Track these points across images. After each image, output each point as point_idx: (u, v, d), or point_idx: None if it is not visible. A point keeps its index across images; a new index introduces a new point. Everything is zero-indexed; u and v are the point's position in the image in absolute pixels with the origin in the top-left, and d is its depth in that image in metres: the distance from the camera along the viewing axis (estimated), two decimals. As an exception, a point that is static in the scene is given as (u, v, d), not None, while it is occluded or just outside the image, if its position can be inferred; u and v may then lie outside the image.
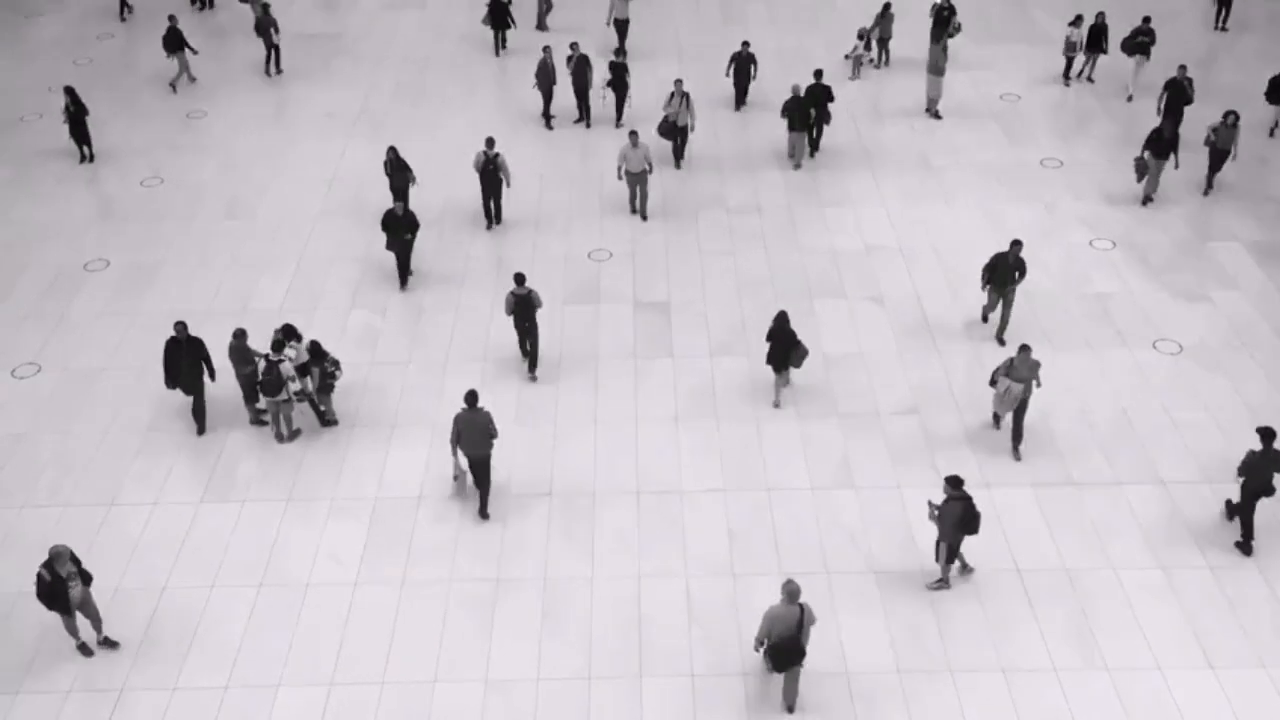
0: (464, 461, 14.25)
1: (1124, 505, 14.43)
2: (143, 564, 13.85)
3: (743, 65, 23.54)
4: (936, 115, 23.43)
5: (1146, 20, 23.91)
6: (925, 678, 12.37)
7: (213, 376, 15.73)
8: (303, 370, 15.33)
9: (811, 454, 15.25)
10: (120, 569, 13.78)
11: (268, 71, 25.18)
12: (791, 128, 21.22)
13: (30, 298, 18.57)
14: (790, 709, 11.89)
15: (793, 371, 16.03)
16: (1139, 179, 20.22)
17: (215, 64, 26.19)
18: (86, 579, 12.41)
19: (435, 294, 18.45)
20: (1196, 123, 22.23)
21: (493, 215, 19.70)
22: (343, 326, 17.77)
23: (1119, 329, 17.47)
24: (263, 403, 15.42)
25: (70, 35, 27.73)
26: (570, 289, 18.52)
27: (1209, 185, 20.66)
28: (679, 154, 21.70)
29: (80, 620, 12.81)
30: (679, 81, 21.28)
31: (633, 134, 19.52)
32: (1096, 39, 24.05)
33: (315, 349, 15.42)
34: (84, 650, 12.69)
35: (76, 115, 21.79)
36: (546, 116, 23.13)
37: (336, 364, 15.63)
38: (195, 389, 15.53)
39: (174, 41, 24.25)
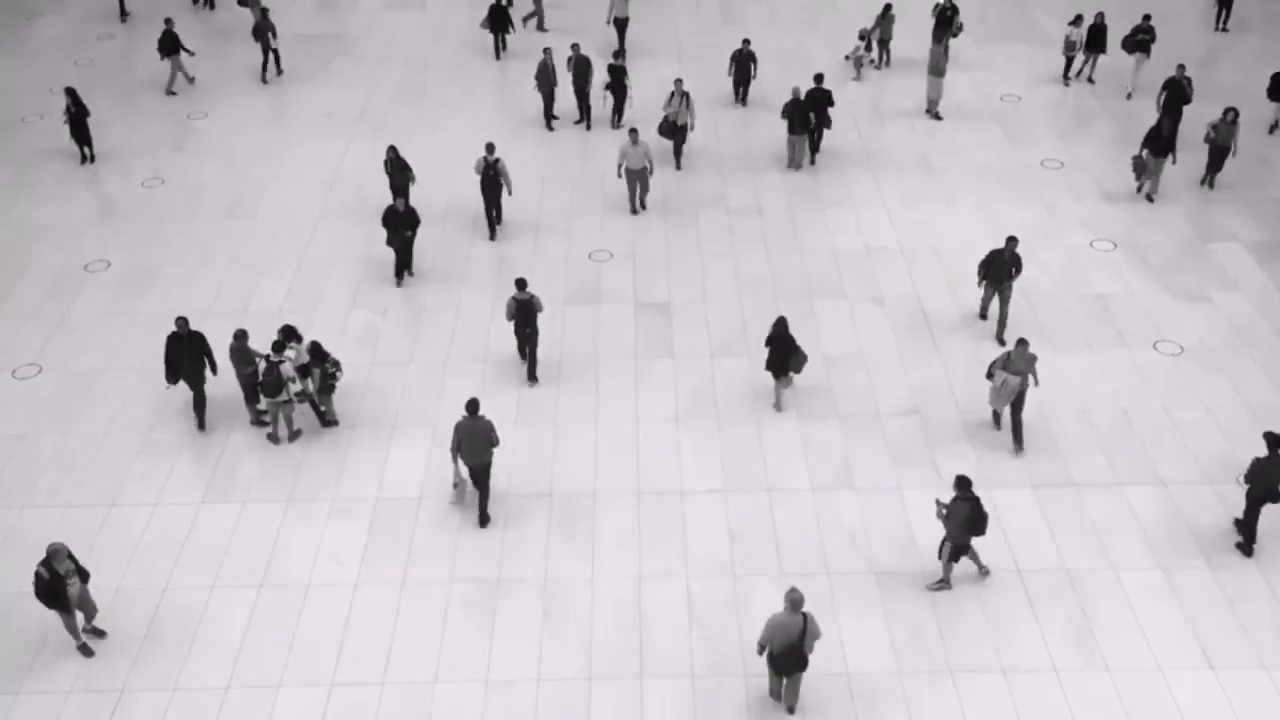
0: (464, 470, 14.20)
1: (1124, 505, 14.43)
2: (143, 564, 13.85)
3: (743, 63, 23.61)
4: (937, 116, 23.43)
5: (1147, 18, 23.94)
6: (925, 678, 12.37)
7: (214, 371, 15.77)
8: (303, 371, 15.33)
9: (812, 454, 15.26)
10: (121, 569, 13.78)
11: (264, 78, 25.11)
12: (791, 130, 21.20)
13: (31, 298, 18.57)
14: (791, 710, 11.89)
15: (794, 376, 15.98)
16: (1137, 178, 20.27)
17: (216, 65, 26.20)
18: (84, 576, 12.42)
19: (436, 294, 18.46)
20: (1196, 121, 22.24)
21: (494, 223, 19.62)
22: (343, 327, 17.77)
23: (1119, 329, 17.47)
24: (263, 403, 15.42)
25: (71, 36, 27.75)
26: (571, 290, 18.53)
27: (1210, 183, 20.70)
28: (679, 154, 21.71)
29: (79, 619, 12.81)
30: (679, 81, 21.32)
31: (633, 132, 19.56)
32: (1096, 38, 24.06)
33: (316, 350, 15.43)
34: (84, 651, 12.69)
35: (77, 116, 21.80)
36: (548, 117, 23.13)
37: (337, 365, 15.65)
38: (196, 385, 15.56)
39: (169, 45, 24.24)
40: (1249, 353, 16.94)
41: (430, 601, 13.32)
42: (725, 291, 18.40)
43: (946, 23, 24.96)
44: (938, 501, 12.84)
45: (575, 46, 22.73)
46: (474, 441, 13.71)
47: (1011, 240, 16.67)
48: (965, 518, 12.58)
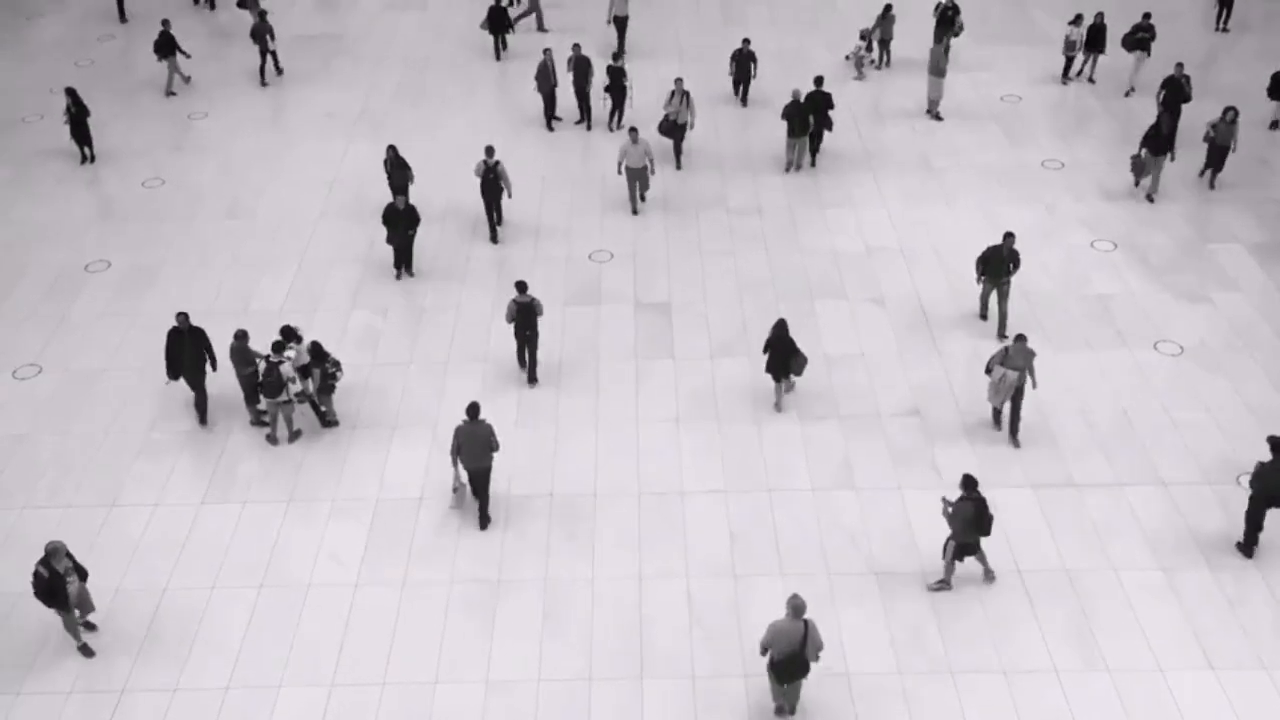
0: (464, 474, 14.18)
1: (1124, 506, 14.43)
2: (143, 565, 13.86)
3: (743, 63, 23.66)
4: (937, 116, 23.43)
5: (1147, 16, 23.97)
6: (926, 679, 12.37)
7: (214, 366, 15.81)
8: (304, 371, 15.33)
9: (812, 455, 15.25)
10: (121, 570, 13.78)
11: (263, 80, 25.08)
12: (790, 133, 21.14)
13: (31, 299, 18.58)
14: (791, 710, 11.87)
15: (794, 378, 15.95)
16: (1135, 177, 20.30)
17: (216, 65, 26.21)
18: (83, 574, 12.44)
19: (436, 294, 18.46)
20: (1196, 120, 22.25)
21: (495, 225, 19.60)
22: (344, 327, 17.77)
23: (1120, 330, 17.47)
24: (263, 404, 15.42)
25: (71, 36, 27.76)
26: (571, 290, 18.52)
27: (1212, 183, 20.72)
28: (679, 153, 21.73)
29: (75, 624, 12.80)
30: (679, 80, 21.34)
31: (633, 130, 19.59)
32: (1096, 38, 24.07)
33: (316, 350, 15.44)
34: (85, 651, 12.70)
35: (77, 116, 21.81)
36: (548, 118, 23.12)
37: (337, 365, 15.65)
38: (197, 380, 15.61)
39: (166, 46, 24.22)
40: (1249, 353, 16.94)
41: (430, 602, 13.32)
42: (726, 292, 18.40)
43: (948, 22, 24.98)
44: (944, 499, 12.83)
45: (576, 47, 22.74)
46: (474, 445, 13.68)
47: (1008, 236, 16.77)
48: (969, 517, 12.58)
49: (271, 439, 15.50)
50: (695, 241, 19.69)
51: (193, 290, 18.63)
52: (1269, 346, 17.07)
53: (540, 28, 27.44)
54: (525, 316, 15.91)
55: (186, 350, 15.46)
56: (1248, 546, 13.63)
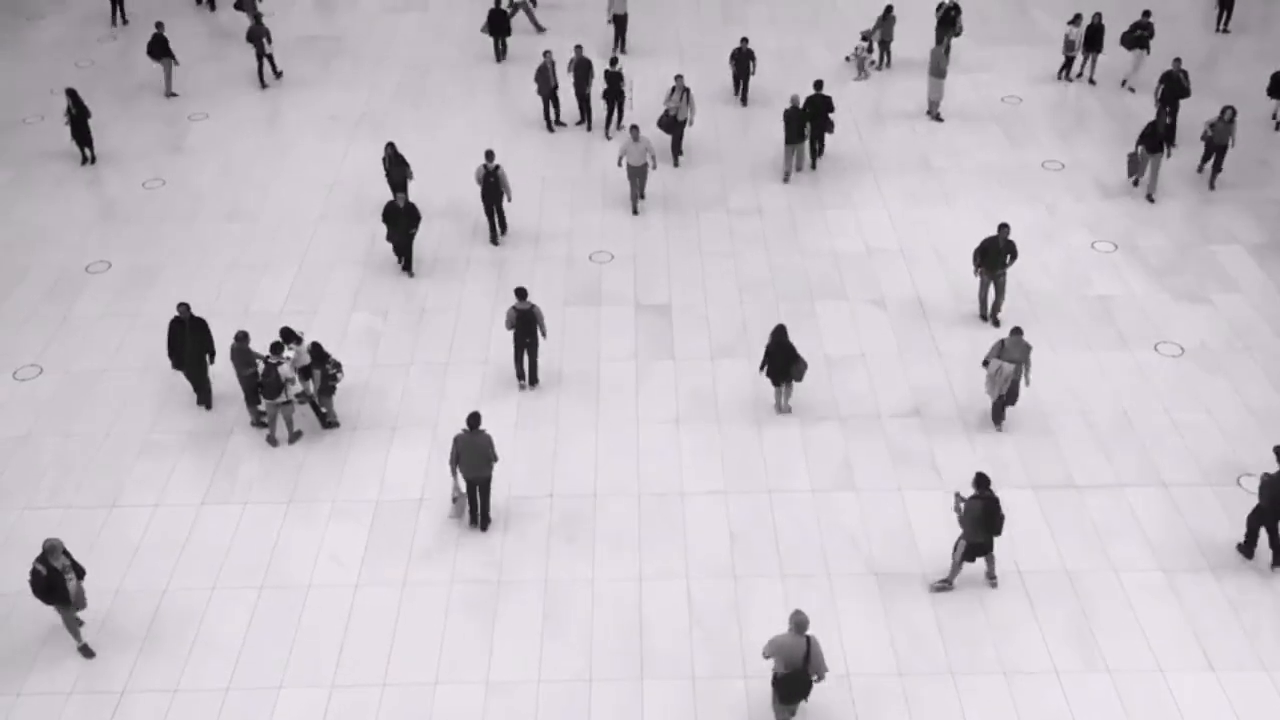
0: (463, 484, 14.09)
1: (1125, 507, 14.42)
2: (144, 566, 13.85)
3: (742, 61, 23.73)
4: (938, 117, 23.44)
5: (1146, 14, 24.01)
6: (926, 680, 12.36)
7: (212, 359, 15.93)
8: (305, 373, 15.34)
9: (812, 456, 15.25)
10: (121, 571, 13.78)
11: (261, 83, 25.07)
12: (787, 140, 21.01)
13: (32, 299, 18.58)
14: (791, 713, 11.85)
15: (794, 383, 15.92)
16: (1129, 173, 20.34)
17: (217, 66, 26.22)
18: (80, 572, 12.44)
19: (437, 296, 18.46)
20: (1195, 119, 22.27)
21: (497, 228, 19.59)
22: (344, 328, 17.78)
23: (1120, 330, 17.47)
24: (264, 405, 15.42)
25: (71, 37, 27.77)
26: (572, 291, 18.53)
27: (1212, 182, 20.76)
28: (678, 150, 21.77)
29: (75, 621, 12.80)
30: (679, 76, 21.40)
31: (634, 128, 19.63)
32: (1095, 38, 24.10)
33: (316, 351, 15.44)
34: (85, 652, 12.70)
35: (78, 117, 21.82)
36: (548, 119, 23.12)
37: (338, 366, 15.65)
38: (199, 372, 15.78)
39: (159, 48, 24.19)
40: (1250, 354, 16.94)
41: (431, 603, 13.32)
42: (726, 292, 18.40)
43: (949, 23, 25.00)
44: (957, 495, 12.82)
45: (578, 48, 22.76)
46: (473, 456, 13.59)
47: (1004, 227, 16.91)
48: (978, 515, 12.56)
49: (272, 440, 15.51)
50: (695, 242, 19.70)
51: (193, 291, 18.63)
52: (1269, 347, 17.07)
53: (537, 28, 27.41)
54: (525, 324, 15.80)
55: (187, 340, 15.55)
56: (1248, 548, 13.62)
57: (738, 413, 15.97)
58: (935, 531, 14.05)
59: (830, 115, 21.30)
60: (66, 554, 12.30)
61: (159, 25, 24.46)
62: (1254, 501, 14.26)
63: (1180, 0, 28.57)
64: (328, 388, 15.55)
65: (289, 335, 15.43)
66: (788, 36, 27.12)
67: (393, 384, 16.63)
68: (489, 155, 19.01)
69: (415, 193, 20.69)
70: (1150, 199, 20.51)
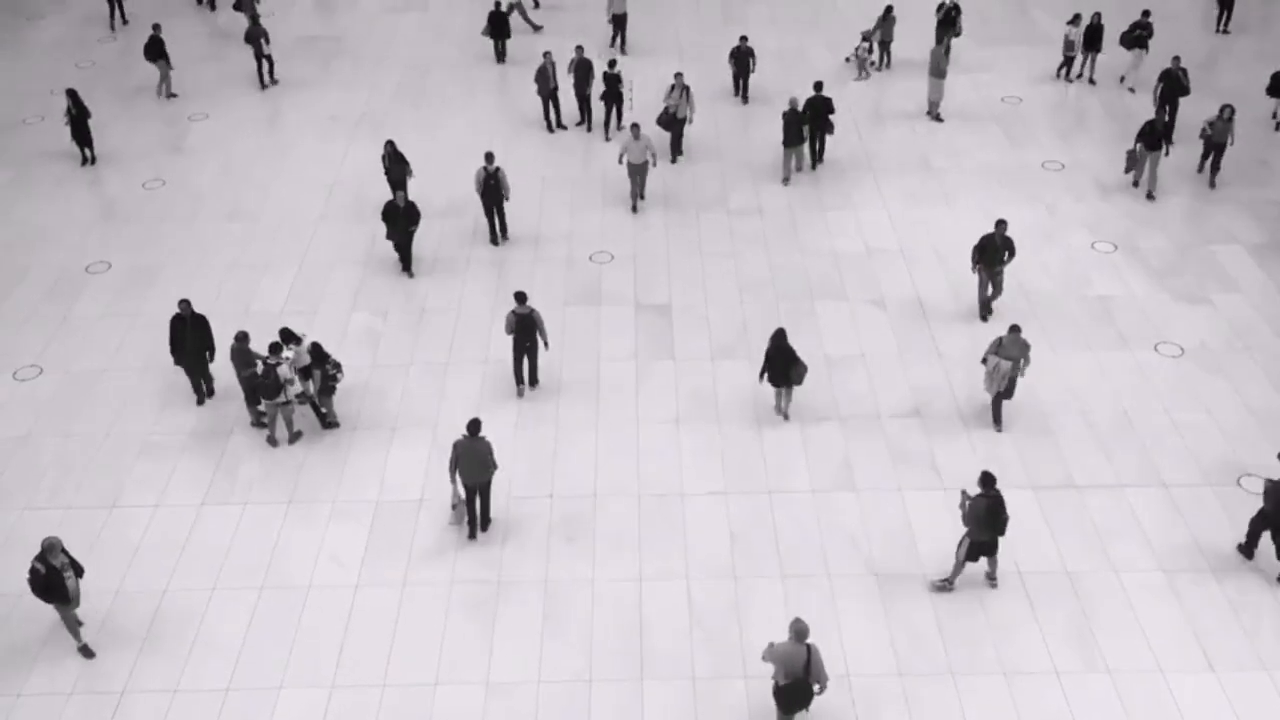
0: (462, 490, 13.96)
1: (1125, 507, 14.42)
2: (144, 566, 13.85)
3: (742, 59, 23.76)
4: (938, 118, 23.44)
5: (1146, 14, 24.03)
6: (926, 680, 12.36)
7: (212, 356, 16.02)
8: (305, 373, 15.34)
9: (812, 456, 15.25)
10: (121, 571, 13.78)
11: (261, 84, 25.06)
12: (785, 143, 20.94)
13: (32, 299, 18.58)
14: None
15: (795, 388, 15.88)
16: (1127, 169, 20.39)
17: (217, 66, 26.22)
18: (79, 571, 12.44)
19: (437, 296, 18.46)
20: (1194, 117, 22.29)
21: (498, 231, 19.56)
22: (344, 328, 17.78)
23: (1120, 331, 17.47)
24: (263, 405, 15.42)
25: (72, 38, 27.78)
26: (572, 291, 18.52)
27: (1212, 181, 20.81)
28: (678, 148, 21.82)
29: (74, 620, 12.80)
30: (679, 74, 21.43)
31: (634, 126, 19.66)
32: (1094, 38, 24.13)
33: (316, 351, 15.44)
34: (85, 652, 12.70)
35: (78, 117, 21.82)
36: (548, 120, 23.11)
37: (338, 366, 15.65)
38: (198, 366, 15.91)
39: (155, 50, 24.15)
40: (1250, 354, 16.94)
41: (431, 603, 13.32)
42: (726, 293, 18.40)
43: (949, 23, 25.01)
44: (963, 492, 12.82)
45: (579, 49, 22.76)
46: (472, 462, 13.52)
47: (1001, 224, 17.01)
48: (981, 514, 12.55)
49: (272, 440, 15.51)
50: (695, 242, 19.70)
51: (193, 291, 18.63)
52: (1269, 347, 17.07)
53: (533, 28, 27.38)
54: (524, 328, 15.69)
55: (188, 337, 15.62)
56: (1249, 548, 13.61)
57: (738, 413, 15.97)
58: (935, 532, 14.05)
59: (830, 117, 21.26)
60: (65, 552, 12.31)
61: (156, 27, 24.46)
62: (1255, 502, 14.28)
63: (1180, 0, 28.59)
64: (328, 388, 15.55)
65: (288, 336, 15.43)
66: (788, 36, 27.13)
67: (393, 384, 16.63)
68: (489, 157, 19.01)
69: (415, 192, 20.69)
70: (1150, 196, 20.53)
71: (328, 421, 15.74)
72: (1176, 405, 16.02)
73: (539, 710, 12.12)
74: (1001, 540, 13.03)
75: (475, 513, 13.96)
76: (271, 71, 25.13)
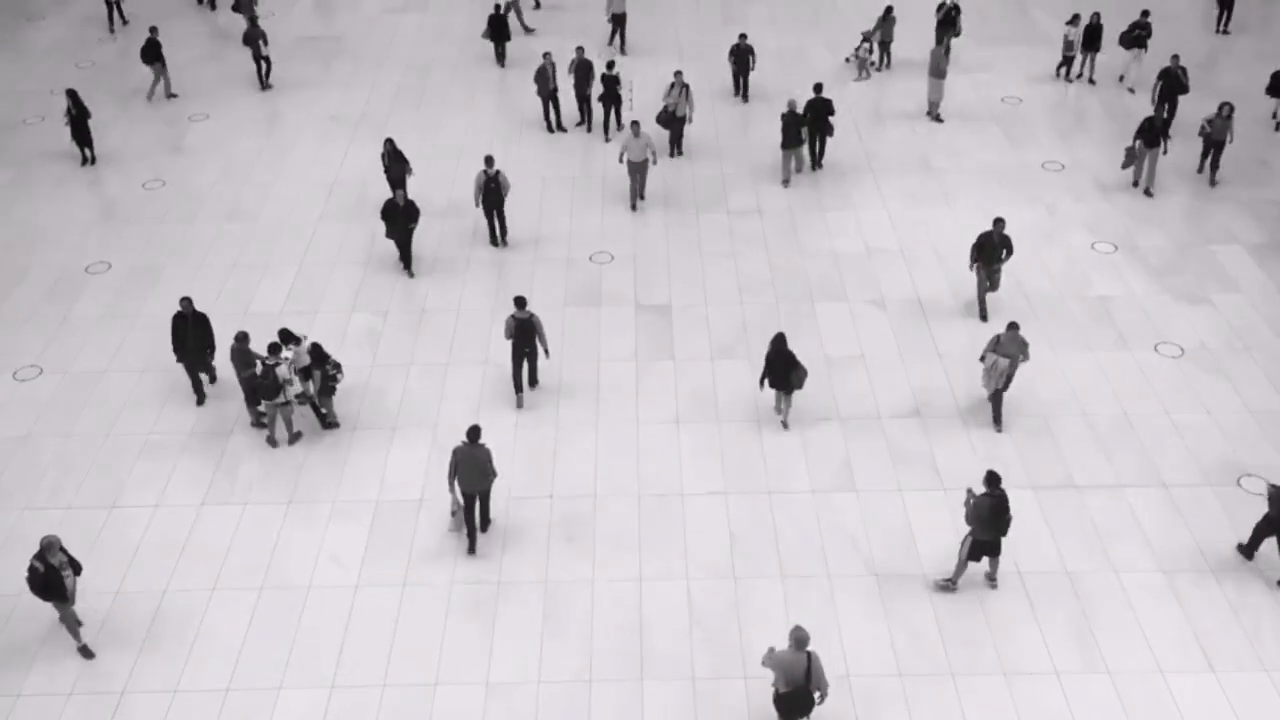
0: (461, 498, 13.80)
1: (1125, 507, 14.42)
2: (144, 566, 13.85)
3: (741, 57, 23.77)
4: (938, 118, 23.44)
5: (1145, 14, 24.06)
6: (926, 681, 12.36)
7: (212, 353, 16.08)
8: (305, 373, 15.34)
9: (812, 456, 15.25)
10: (121, 571, 13.78)
11: (261, 85, 25.07)
12: (784, 144, 20.90)
13: (32, 300, 18.59)
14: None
15: (795, 392, 15.84)
16: (1124, 165, 20.48)
17: (217, 66, 26.23)
18: (77, 569, 12.45)
19: (437, 296, 18.46)
20: (1193, 115, 22.31)
21: (498, 236, 19.52)
22: (344, 329, 17.78)
23: (1120, 331, 17.47)
24: (263, 405, 15.42)
25: (72, 38, 27.78)
26: (572, 291, 18.52)
27: (1212, 179, 20.84)
28: (677, 143, 21.91)
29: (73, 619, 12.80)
30: (679, 73, 21.46)
31: (634, 124, 19.68)
32: (1092, 38, 24.15)
33: (316, 352, 15.44)
34: (85, 653, 12.70)
35: (78, 118, 21.82)
36: (548, 120, 23.11)
37: (338, 366, 15.65)
38: (199, 363, 15.96)
39: (152, 53, 24.14)
40: (1250, 354, 16.94)
41: (431, 603, 13.32)
42: (726, 293, 18.40)
43: (950, 23, 25.02)
44: (969, 490, 12.82)
45: (580, 50, 22.77)
46: (471, 469, 13.44)
47: (999, 222, 17.06)
48: (985, 513, 12.55)
49: (271, 441, 15.51)
50: (695, 242, 19.70)
51: (193, 292, 18.64)
52: (1269, 347, 17.06)
53: (525, 29, 27.39)
54: (524, 333, 15.55)
55: (190, 335, 15.67)
56: (1250, 550, 13.60)
57: (738, 413, 15.97)
58: (935, 532, 14.05)
59: (830, 119, 21.22)
60: (64, 550, 12.31)
61: (153, 30, 24.43)
62: (1255, 502, 14.29)
63: (1180, 0, 28.60)
64: (328, 388, 15.55)
65: (287, 336, 15.43)
66: (788, 37, 27.13)
67: (393, 384, 16.63)
68: (488, 161, 18.98)
69: (416, 192, 20.70)
70: (1148, 193, 20.56)
71: (328, 422, 15.74)
72: (1176, 405, 16.02)
73: (539, 710, 12.12)
74: (1004, 541, 13.02)
75: (474, 525, 13.83)
76: (268, 74, 25.07)
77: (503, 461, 15.10)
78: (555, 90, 22.72)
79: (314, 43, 27.32)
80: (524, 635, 12.92)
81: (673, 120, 21.66)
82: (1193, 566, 13.60)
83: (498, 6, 25.87)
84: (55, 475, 15.20)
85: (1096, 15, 24.17)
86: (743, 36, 23.75)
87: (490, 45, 26.62)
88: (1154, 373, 16.63)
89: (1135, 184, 20.88)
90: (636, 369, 16.84)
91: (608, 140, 22.85)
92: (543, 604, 13.28)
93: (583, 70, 22.57)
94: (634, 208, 20.52)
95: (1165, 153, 20.65)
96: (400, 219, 18.33)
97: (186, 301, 15.72)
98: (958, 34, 25.28)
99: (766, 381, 15.37)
